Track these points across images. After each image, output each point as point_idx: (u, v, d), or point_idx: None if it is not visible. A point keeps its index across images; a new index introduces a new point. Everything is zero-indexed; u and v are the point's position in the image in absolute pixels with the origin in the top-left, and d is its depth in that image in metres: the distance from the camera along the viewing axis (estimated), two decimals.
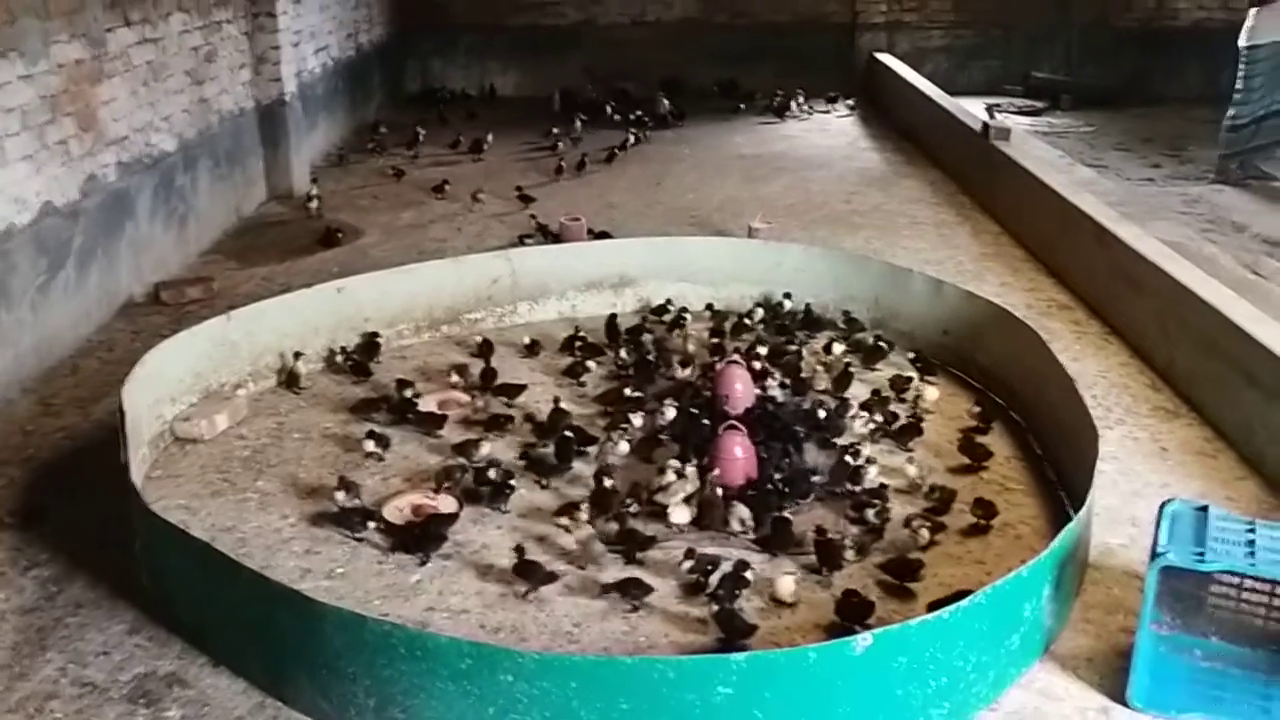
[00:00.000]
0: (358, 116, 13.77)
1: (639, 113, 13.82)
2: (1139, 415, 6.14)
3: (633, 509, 4.98)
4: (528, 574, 4.56)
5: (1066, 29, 16.17)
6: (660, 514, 4.99)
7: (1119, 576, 4.66)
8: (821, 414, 5.82)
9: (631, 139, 12.57)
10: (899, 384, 6.27)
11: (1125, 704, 3.91)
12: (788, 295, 7.36)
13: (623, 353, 6.76)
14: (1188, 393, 6.29)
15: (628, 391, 6.21)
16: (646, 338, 6.95)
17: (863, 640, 3.56)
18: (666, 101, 14.26)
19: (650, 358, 6.68)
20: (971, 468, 5.49)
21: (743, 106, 14.90)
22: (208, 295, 7.91)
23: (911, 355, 6.70)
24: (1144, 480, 5.45)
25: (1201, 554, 3.78)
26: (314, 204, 9.83)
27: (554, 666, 3.51)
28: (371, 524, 4.91)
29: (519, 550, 4.68)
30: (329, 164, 11.90)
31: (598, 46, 16.01)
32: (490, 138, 12.41)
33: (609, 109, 14.08)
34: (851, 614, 4.28)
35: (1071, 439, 5.23)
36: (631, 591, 4.44)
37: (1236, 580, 3.97)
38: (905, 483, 5.32)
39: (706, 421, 5.64)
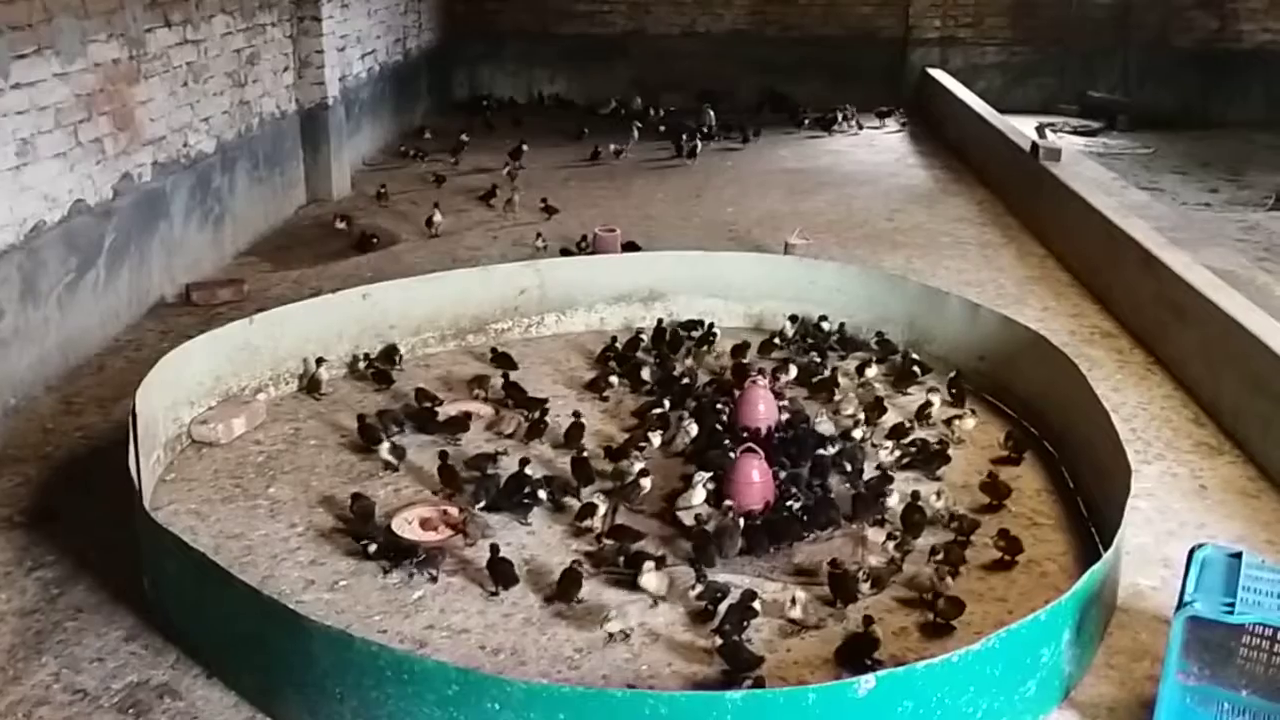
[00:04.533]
0: (403, 122, 13.80)
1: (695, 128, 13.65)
2: (1180, 450, 5.91)
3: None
4: (498, 575, 4.55)
5: (1125, 48, 15.83)
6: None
7: (1148, 621, 4.45)
8: (846, 441, 5.66)
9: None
10: (924, 411, 6.08)
11: None
12: (824, 318, 7.20)
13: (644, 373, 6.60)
14: (1232, 429, 6.04)
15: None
16: (688, 363, 6.80)
17: (865, 682, 3.41)
18: (712, 113, 14.08)
19: (676, 374, 6.56)
20: (993, 506, 5.29)
21: (807, 122, 14.65)
22: (239, 297, 7.91)
23: (950, 377, 6.49)
24: (1180, 519, 5.23)
25: (1232, 604, 3.58)
26: (341, 225, 9.56)
27: (542, 697, 3.39)
28: (410, 561, 4.72)
29: (494, 549, 4.66)
30: (372, 169, 11.93)
31: (646, 56, 15.92)
32: (520, 172, 11.78)
33: (658, 123, 13.98)
34: (856, 651, 4.12)
35: (1105, 474, 5.02)
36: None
37: (1269, 632, 3.75)
38: (931, 513, 5.13)
39: (726, 442, 5.51)
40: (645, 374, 6.54)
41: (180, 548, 4.19)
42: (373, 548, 4.78)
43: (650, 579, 4.44)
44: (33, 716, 3.86)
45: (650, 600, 4.46)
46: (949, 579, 4.57)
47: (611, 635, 4.26)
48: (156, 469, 5.43)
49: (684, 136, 13.02)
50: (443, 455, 5.54)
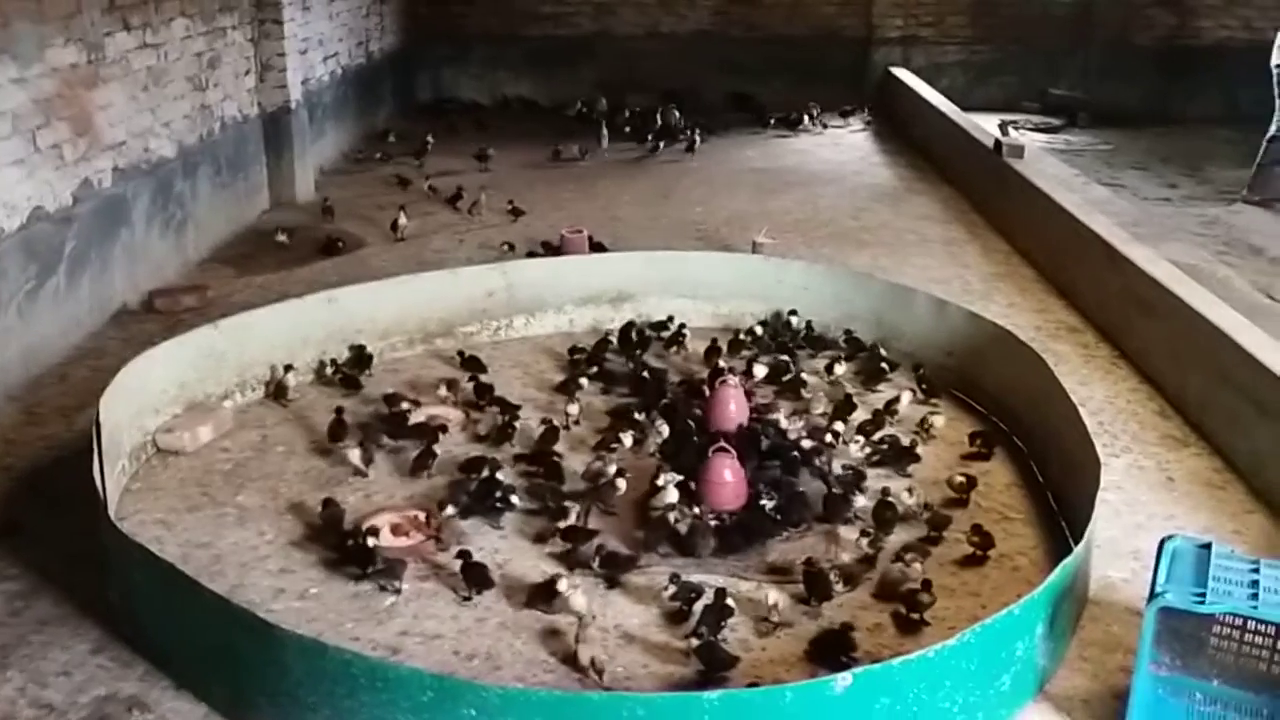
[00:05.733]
0: (367, 125, 13.70)
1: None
2: (1146, 443, 5.96)
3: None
4: (472, 578, 4.54)
5: (1085, 46, 15.99)
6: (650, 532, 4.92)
7: (1119, 613, 4.48)
8: (814, 440, 5.67)
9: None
10: (891, 407, 6.08)
11: None
12: (793, 313, 7.23)
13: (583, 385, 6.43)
14: (1198, 421, 6.10)
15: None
16: (649, 363, 6.78)
17: (842, 680, 3.40)
18: (678, 113, 14.11)
19: (646, 375, 6.54)
20: (961, 501, 5.31)
21: (772, 122, 14.76)
22: (202, 303, 7.81)
23: (919, 373, 6.53)
24: (1148, 511, 5.27)
25: (1202, 594, 3.61)
26: (282, 237, 9.24)
27: (519, 701, 3.36)
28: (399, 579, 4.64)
29: (465, 555, 4.63)
30: (335, 173, 11.84)
31: (611, 58, 15.90)
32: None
33: (624, 124, 14.01)
34: (830, 649, 4.12)
35: (1074, 467, 5.06)
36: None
37: (1239, 622, 3.79)
38: (902, 510, 5.14)
39: (695, 440, 5.52)
40: (572, 413, 6.06)
41: (147, 558, 4.13)
42: (349, 542, 4.73)
43: (578, 598, 4.36)
44: None
45: (586, 618, 4.35)
46: (917, 565, 4.59)
47: (592, 667, 4.08)
48: (122, 478, 5.35)
49: (650, 136, 13.14)
50: (338, 410, 5.89)
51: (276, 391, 6.34)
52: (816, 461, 5.52)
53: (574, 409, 6.04)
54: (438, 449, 5.58)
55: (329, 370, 6.57)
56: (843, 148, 13.73)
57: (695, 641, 4.12)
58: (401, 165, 11.96)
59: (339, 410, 5.93)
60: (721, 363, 6.66)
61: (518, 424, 5.91)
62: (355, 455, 5.52)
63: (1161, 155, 13.67)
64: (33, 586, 4.61)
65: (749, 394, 6.16)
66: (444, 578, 4.68)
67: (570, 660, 4.13)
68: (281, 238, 9.22)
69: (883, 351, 6.76)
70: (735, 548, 4.84)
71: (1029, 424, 5.85)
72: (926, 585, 4.44)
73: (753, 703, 3.41)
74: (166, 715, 3.88)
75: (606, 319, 7.42)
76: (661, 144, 13.05)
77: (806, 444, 5.63)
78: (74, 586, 4.56)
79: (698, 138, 13.19)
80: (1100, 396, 6.49)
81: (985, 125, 11.83)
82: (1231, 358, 5.75)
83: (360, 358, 6.64)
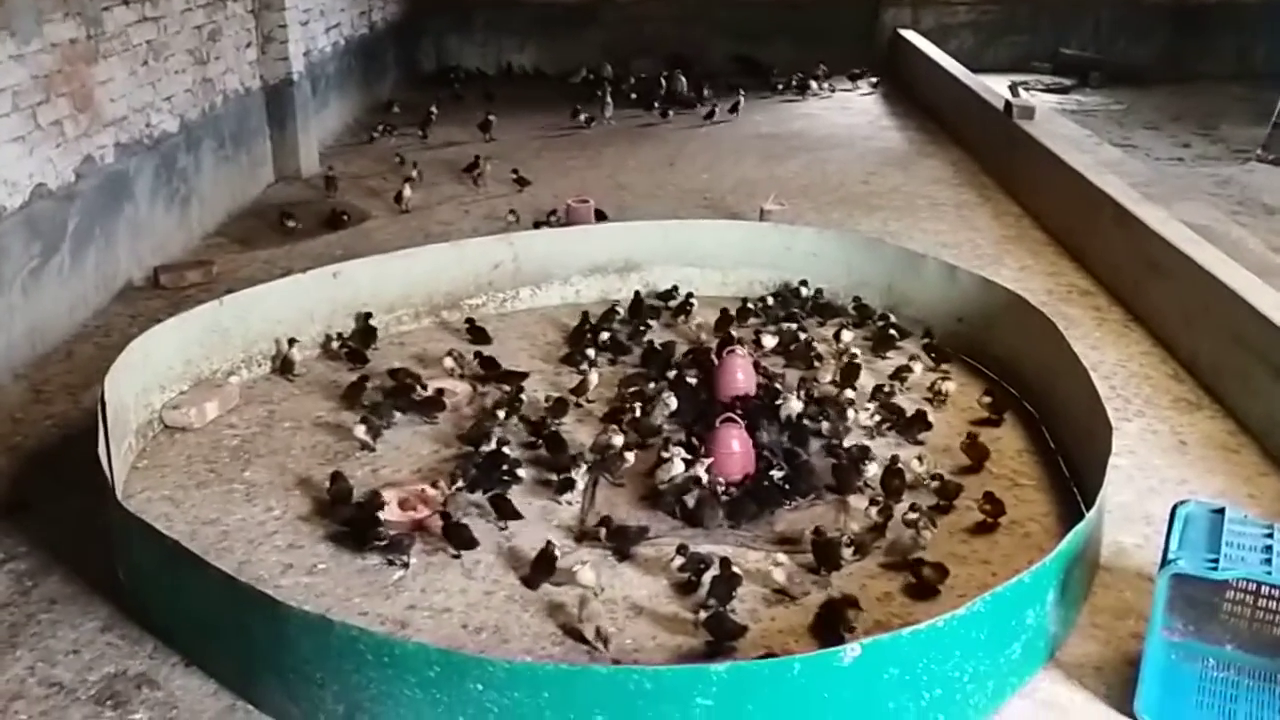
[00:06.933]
0: (371, 96, 13.59)
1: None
2: (1159, 407, 5.91)
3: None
4: (454, 537, 4.58)
5: (1096, 5, 15.77)
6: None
7: (1131, 579, 4.45)
8: (821, 409, 5.63)
9: None
10: (902, 374, 6.03)
11: (1132, 716, 3.71)
12: (804, 282, 7.17)
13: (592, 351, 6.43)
14: (1211, 384, 6.04)
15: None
16: (648, 338, 6.73)
17: (851, 650, 3.38)
18: (684, 79, 14.00)
19: (658, 346, 6.49)
20: (974, 468, 5.27)
21: (780, 86, 14.60)
22: (208, 279, 7.78)
23: (925, 342, 6.49)
24: (1161, 476, 5.23)
25: (1215, 560, 3.57)
26: (290, 223, 8.86)
27: (525, 676, 3.35)
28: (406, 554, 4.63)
29: (446, 517, 4.65)
30: (340, 145, 11.77)
31: (616, 23, 15.74)
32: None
33: (631, 90, 13.89)
34: (832, 620, 4.10)
35: (1085, 433, 5.01)
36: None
37: (1253, 587, 3.76)
38: (912, 477, 5.10)
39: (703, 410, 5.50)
40: (593, 382, 6.01)
41: (152, 535, 4.11)
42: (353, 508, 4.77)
43: (586, 572, 4.33)
44: (8, 711, 3.80)
45: (590, 593, 4.30)
46: (927, 532, 4.56)
47: (597, 637, 4.08)
48: (129, 456, 5.34)
49: (655, 104, 13.10)
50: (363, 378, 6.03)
51: (283, 366, 6.31)
52: (824, 431, 5.47)
53: (595, 377, 6.00)
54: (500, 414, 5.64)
55: (335, 344, 6.54)
56: (851, 111, 13.60)
57: (704, 613, 4.09)
58: (406, 136, 11.88)
59: (363, 379, 6.05)
60: (732, 331, 6.61)
61: (524, 396, 5.88)
62: (361, 430, 5.50)
63: (1174, 114, 13.51)
64: (41, 565, 4.61)
65: (757, 364, 6.11)
66: (452, 552, 4.66)
67: (575, 633, 4.12)
68: (290, 224, 8.88)
69: (892, 318, 6.70)
70: (744, 518, 4.81)
71: (1040, 389, 5.80)
72: (934, 565, 4.41)
73: (760, 674, 3.38)
74: (175, 692, 3.89)
75: (614, 289, 7.37)
76: (716, 107, 13.01)
77: (810, 415, 5.57)
78: (83, 565, 4.56)
79: (741, 98, 13.08)
80: (1112, 360, 6.43)
81: (996, 87, 11.70)
82: (1245, 319, 5.68)
83: (366, 330, 6.61)
